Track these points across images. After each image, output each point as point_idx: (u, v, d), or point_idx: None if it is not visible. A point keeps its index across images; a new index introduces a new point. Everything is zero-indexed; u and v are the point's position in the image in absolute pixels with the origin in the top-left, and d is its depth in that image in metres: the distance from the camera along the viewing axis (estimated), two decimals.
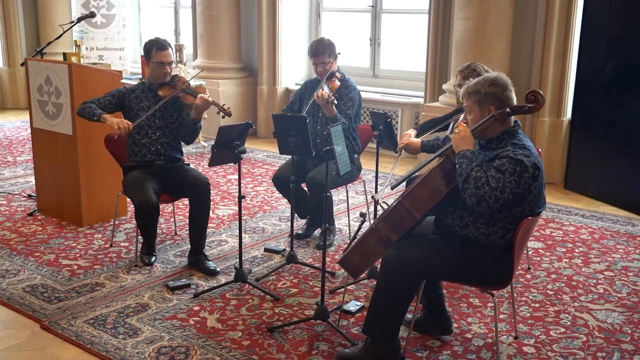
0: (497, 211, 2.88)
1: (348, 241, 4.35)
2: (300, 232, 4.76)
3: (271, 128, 4.71)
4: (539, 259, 4.43)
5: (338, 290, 3.89)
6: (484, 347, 3.31)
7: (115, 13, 9.09)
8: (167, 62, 4.28)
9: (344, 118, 4.42)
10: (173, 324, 3.50)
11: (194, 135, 4.36)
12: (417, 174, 3.57)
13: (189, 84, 4.34)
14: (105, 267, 4.22)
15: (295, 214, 4.60)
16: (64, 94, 4.81)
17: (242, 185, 3.96)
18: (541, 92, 3.01)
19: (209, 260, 4.23)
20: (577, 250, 4.60)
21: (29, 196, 5.63)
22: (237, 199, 3.86)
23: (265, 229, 4.97)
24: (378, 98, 7.36)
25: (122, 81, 5.03)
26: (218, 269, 4.15)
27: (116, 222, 4.87)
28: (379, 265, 3.17)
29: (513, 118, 3.00)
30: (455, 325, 3.47)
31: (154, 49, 4.28)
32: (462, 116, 4.10)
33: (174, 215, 4.91)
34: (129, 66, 9.30)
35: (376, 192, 4.25)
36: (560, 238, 4.84)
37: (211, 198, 4.28)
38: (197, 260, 4.21)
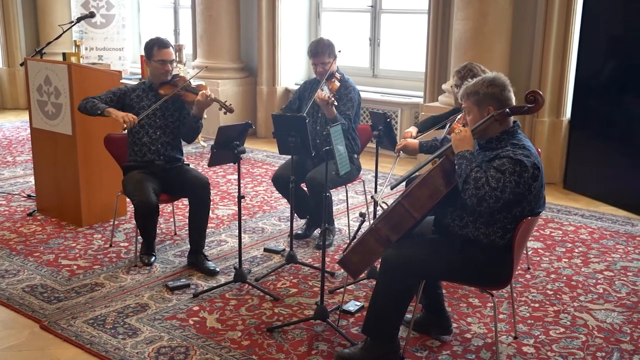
0: (497, 211, 2.88)
1: (347, 241, 4.36)
2: (299, 232, 4.76)
3: (271, 128, 4.71)
4: (538, 259, 4.44)
5: (338, 290, 3.89)
6: (484, 347, 3.31)
7: (115, 13, 9.09)
8: (168, 60, 4.29)
9: (343, 119, 4.42)
10: (172, 324, 3.50)
11: (195, 134, 4.35)
12: (416, 174, 3.57)
13: (190, 82, 4.35)
14: (104, 267, 4.22)
15: (295, 214, 4.60)
16: (63, 94, 4.81)
17: (241, 185, 3.96)
18: (541, 93, 3.01)
19: (209, 260, 4.23)
20: (576, 250, 4.60)
21: (29, 196, 5.63)
22: (236, 199, 3.86)
23: (265, 229, 4.97)
24: (377, 98, 7.36)
25: (121, 81, 5.03)
26: (217, 269, 4.15)
27: (116, 222, 4.87)
28: (378, 265, 3.16)
29: (512, 118, 3.00)
30: (454, 325, 3.48)
31: (155, 48, 4.28)
32: (458, 116, 4.11)
33: (174, 215, 4.91)
34: (129, 66, 9.30)
35: (376, 192, 4.25)
36: (560, 238, 4.84)
37: (211, 198, 4.28)
38: (196, 260, 4.21)
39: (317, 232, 4.76)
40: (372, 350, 3.09)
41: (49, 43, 5.69)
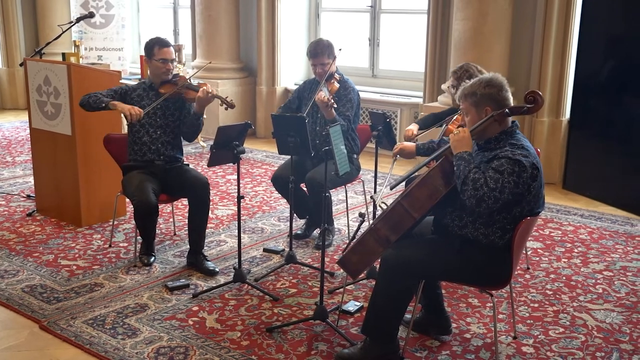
0: (496, 212, 2.88)
1: (347, 241, 4.36)
2: (299, 232, 4.76)
3: (270, 128, 4.72)
4: (538, 259, 4.44)
5: (337, 291, 3.89)
6: (483, 347, 3.31)
7: (114, 13, 9.08)
8: (169, 59, 4.29)
9: (343, 120, 4.42)
10: (172, 324, 3.50)
11: (196, 132, 4.34)
12: (416, 174, 3.58)
13: (190, 80, 4.35)
14: (104, 268, 4.22)
15: (294, 214, 4.60)
16: (62, 94, 4.81)
17: (241, 185, 3.95)
18: (540, 93, 3.01)
19: (208, 261, 4.23)
20: (576, 250, 4.60)
21: (28, 196, 5.62)
22: (236, 199, 3.86)
23: (264, 229, 4.97)
24: (377, 98, 7.37)
25: (121, 81, 5.03)
26: (217, 269, 4.15)
27: (115, 223, 4.87)
28: (378, 265, 3.16)
29: (511, 118, 3.00)
30: (454, 325, 3.48)
31: (156, 47, 4.28)
32: (454, 117, 4.11)
33: (173, 215, 4.91)
34: (128, 66, 9.29)
35: (375, 192, 4.25)
36: (559, 238, 4.84)
37: (210, 198, 4.28)
38: (196, 261, 4.21)
39: (316, 232, 4.76)
40: (371, 351, 3.09)
41: (48, 43, 5.69)
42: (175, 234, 4.81)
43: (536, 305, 3.77)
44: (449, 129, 3.98)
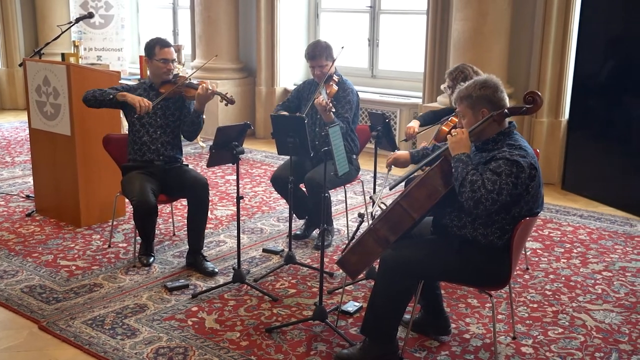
0: (495, 212, 2.89)
1: (346, 242, 4.36)
2: (298, 232, 4.76)
3: (269, 128, 4.72)
4: (537, 259, 4.44)
5: (336, 291, 3.89)
6: (482, 348, 3.31)
7: (114, 14, 9.08)
8: (170, 59, 4.29)
9: (342, 122, 4.41)
10: (171, 324, 3.50)
11: (197, 130, 4.33)
12: (415, 174, 3.58)
13: (190, 78, 4.35)
14: (103, 268, 4.21)
15: (294, 215, 4.60)
16: (62, 95, 4.81)
17: (240, 185, 3.96)
18: (539, 93, 3.02)
19: (207, 261, 4.23)
20: (575, 251, 4.60)
21: (27, 197, 5.62)
22: (235, 200, 3.86)
23: (264, 230, 4.97)
24: (376, 98, 7.37)
25: (120, 81, 5.03)
26: (216, 270, 4.15)
27: (114, 223, 4.87)
28: (377, 266, 3.17)
29: (508, 119, 3.01)
30: (453, 325, 3.48)
31: (157, 47, 4.28)
32: (450, 118, 4.11)
33: (173, 215, 4.91)
34: (128, 67, 9.29)
35: (374, 192, 4.25)
36: (559, 238, 4.84)
37: (209, 198, 4.28)
38: (195, 261, 4.21)
39: (315, 232, 4.76)
40: (370, 351, 3.09)
41: (47, 43, 5.69)
42: (174, 235, 4.81)
43: (535, 305, 3.77)
44: (442, 130, 3.97)
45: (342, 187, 4.79)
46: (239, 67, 8.30)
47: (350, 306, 3.67)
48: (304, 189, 4.58)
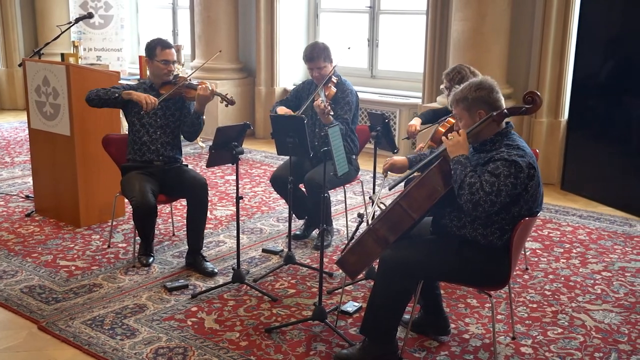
0: (494, 213, 2.89)
1: (346, 242, 4.36)
2: (298, 232, 4.76)
3: (269, 129, 4.72)
4: (536, 259, 4.44)
5: (336, 291, 3.89)
6: (482, 348, 3.31)
7: (113, 14, 9.08)
8: (171, 61, 4.29)
9: (341, 124, 4.40)
10: (171, 324, 3.50)
11: (197, 131, 4.33)
12: (414, 174, 3.57)
13: (190, 78, 4.35)
14: (102, 268, 4.21)
15: (293, 215, 4.60)
16: (61, 95, 4.81)
17: (240, 185, 3.96)
18: (538, 93, 3.02)
19: (207, 261, 4.23)
20: (574, 251, 4.60)
21: (27, 197, 5.62)
22: (235, 200, 3.86)
23: (263, 230, 4.97)
24: (376, 99, 7.37)
25: (120, 82, 5.03)
26: (216, 270, 4.15)
27: (114, 223, 4.87)
28: (376, 266, 3.17)
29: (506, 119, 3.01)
30: (452, 325, 3.48)
31: (158, 48, 4.28)
32: (447, 118, 4.11)
33: (172, 216, 4.91)
34: (127, 67, 9.29)
35: (374, 192, 4.25)
36: (558, 238, 4.84)
37: (209, 199, 4.28)
38: (194, 261, 4.21)
39: (315, 232, 4.76)
40: (370, 351, 3.09)
41: (47, 44, 5.69)
42: (174, 235, 4.81)
43: (535, 305, 3.77)
44: (439, 131, 3.97)
45: (342, 187, 4.79)
46: (239, 67, 8.30)
47: (350, 306, 3.68)
48: (304, 189, 4.58)
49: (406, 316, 3.30)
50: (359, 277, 3.67)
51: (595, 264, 4.37)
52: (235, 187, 3.87)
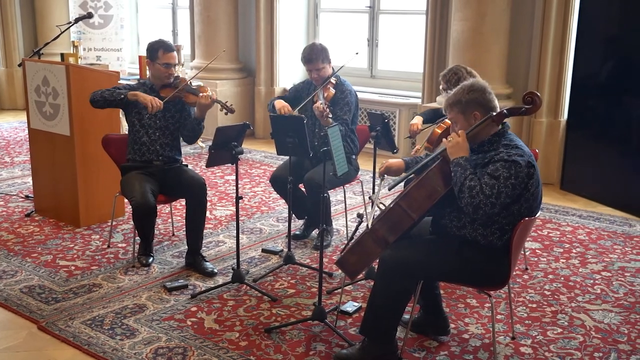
0: (495, 213, 2.89)
1: (345, 242, 4.36)
2: (297, 232, 4.76)
3: (269, 129, 4.72)
4: (536, 259, 4.44)
5: (335, 291, 3.89)
6: (481, 348, 3.31)
7: (113, 14, 9.07)
8: (173, 64, 4.29)
9: (340, 124, 4.39)
10: (170, 324, 3.50)
11: (196, 136, 4.35)
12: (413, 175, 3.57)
13: (190, 82, 4.35)
14: (102, 268, 4.21)
15: (293, 215, 4.60)
16: (61, 95, 4.81)
17: (239, 185, 3.96)
18: (538, 94, 3.02)
19: (207, 261, 4.23)
20: (574, 251, 4.60)
21: (27, 197, 5.62)
22: (234, 200, 3.86)
23: (263, 230, 4.97)
24: (375, 99, 7.37)
25: (119, 82, 5.03)
26: (215, 270, 4.15)
27: (114, 223, 4.87)
28: (376, 266, 3.17)
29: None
30: (452, 325, 3.48)
31: (161, 50, 4.27)
32: (444, 119, 4.11)
33: (172, 216, 4.90)
34: (127, 67, 9.28)
35: (373, 192, 4.25)
36: (558, 238, 4.84)
37: (208, 199, 4.28)
38: (194, 261, 4.21)
39: (315, 232, 4.76)
40: (369, 351, 3.09)
41: (47, 44, 5.69)
42: (173, 235, 4.81)
43: (534, 305, 3.77)
44: (435, 132, 3.97)
45: (342, 187, 4.79)
46: (238, 67, 8.30)
47: (350, 306, 3.68)
48: (303, 189, 4.58)
49: (406, 316, 3.30)
50: (358, 277, 3.67)
51: (595, 264, 4.37)
52: (235, 187, 3.87)
